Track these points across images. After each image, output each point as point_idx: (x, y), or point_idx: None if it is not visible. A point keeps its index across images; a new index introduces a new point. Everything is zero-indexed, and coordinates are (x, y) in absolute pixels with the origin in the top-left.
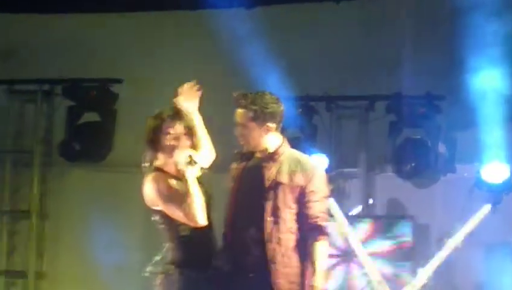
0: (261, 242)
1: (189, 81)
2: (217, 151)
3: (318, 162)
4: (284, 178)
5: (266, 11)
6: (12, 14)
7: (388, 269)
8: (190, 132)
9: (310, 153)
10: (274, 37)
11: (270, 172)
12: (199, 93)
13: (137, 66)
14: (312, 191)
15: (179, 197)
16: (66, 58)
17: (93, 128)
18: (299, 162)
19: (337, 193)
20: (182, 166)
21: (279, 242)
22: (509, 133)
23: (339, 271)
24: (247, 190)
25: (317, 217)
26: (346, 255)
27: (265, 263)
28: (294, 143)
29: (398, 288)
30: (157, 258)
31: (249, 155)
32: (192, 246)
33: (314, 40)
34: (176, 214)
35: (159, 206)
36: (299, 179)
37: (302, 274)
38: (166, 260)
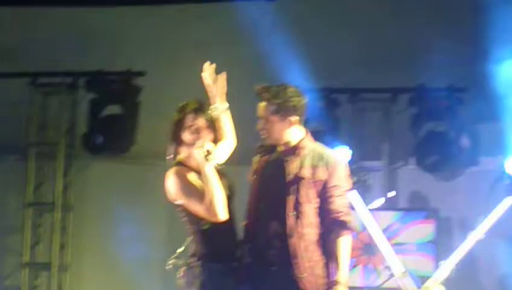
0: (283, 236)
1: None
2: (239, 144)
3: (341, 156)
4: (306, 173)
5: (288, 3)
6: (35, 7)
7: (411, 263)
8: (213, 125)
9: (332, 146)
10: (296, 29)
11: (293, 166)
12: (223, 79)
13: (160, 59)
14: (335, 186)
15: (199, 192)
16: (89, 51)
17: (116, 121)
18: (322, 156)
19: (360, 186)
20: (201, 161)
21: (301, 237)
22: None
23: (362, 264)
24: (269, 183)
25: (340, 211)
26: (368, 248)
27: (287, 256)
28: (317, 136)
29: (420, 281)
30: (180, 250)
31: (271, 148)
32: (214, 239)
33: (337, 32)
34: (197, 209)
35: (180, 200)
36: (322, 174)
37: (326, 268)
38: (188, 253)
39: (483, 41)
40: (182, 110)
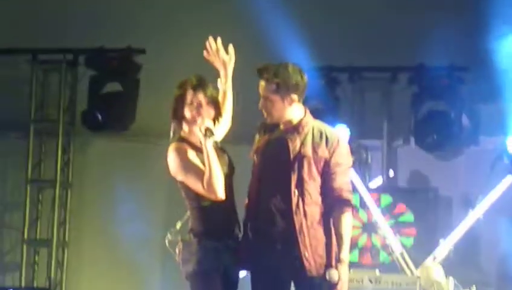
0: (287, 214)
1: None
2: (240, 123)
3: (342, 133)
4: (308, 150)
5: None
6: None
7: (409, 241)
8: (214, 101)
9: (332, 125)
10: (297, 9)
11: (294, 144)
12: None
13: (160, 36)
14: (337, 163)
15: (199, 170)
16: (89, 28)
17: (116, 98)
18: (323, 133)
19: (359, 165)
20: (200, 138)
21: (305, 215)
22: None
23: (361, 243)
24: (272, 162)
25: (342, 189)
26: (369, 227)
27: (292, 235)
28: (317, 114)
29: (419, 259)
30: (178, 225)
31: (272, 127)
32: (213, 216)
33: (337, 10)
34: (196, 186)
35: (180, 177)
36: (323, 151)
37: (328, 246)
38: (186, 229)
39: (484, 18)
40: (182, 87)
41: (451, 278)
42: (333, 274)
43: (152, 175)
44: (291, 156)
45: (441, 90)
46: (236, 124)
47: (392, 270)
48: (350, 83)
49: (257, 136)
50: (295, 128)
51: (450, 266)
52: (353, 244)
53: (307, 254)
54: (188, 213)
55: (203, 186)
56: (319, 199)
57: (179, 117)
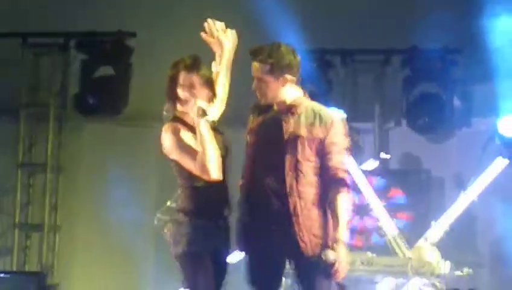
0: (282, 195)
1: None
2: (231, 105)
3: (337, 114)
4: (302, 131)
5: None
6: None
7: (402, 222)
8: (207, 81)
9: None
10: None
11: (289, 125)
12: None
13: (152, 19)
14: (332, 143)
15: (193, 149)
16: (80, 11)
17: (108, 82)
18: (317, 114)
19: (352, 147)
20: (195, 118)
21: (300, 195)
22: None
23: (355, 225)
24: (266, 142)
25: (338, 168)
26: (361, 209)
27: (286, 215)
28: (309, 97)
29: (412, 241)
30: (169, 203)
31: (266, 108)
32: (205, 196)
33: None
34: (189, 165)
35: (174, 156)
36: (318, 131)
37: (323, 227)
38: (176, 208)
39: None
40: (175, 67)
41: (448, 261)
42: (329, 254)
43: (144, 159)
44: (286, 136)
45: (433, 72)
46: (229, 106)
47: (384, 253)
48: (342, 66)
49: (251, 117)
50: (289, 109)
51: (443, 247)
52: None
53: (301, 234)
54: (179, 191)
55: (197, 166)
56: (314, 179)
57: (172, 97)
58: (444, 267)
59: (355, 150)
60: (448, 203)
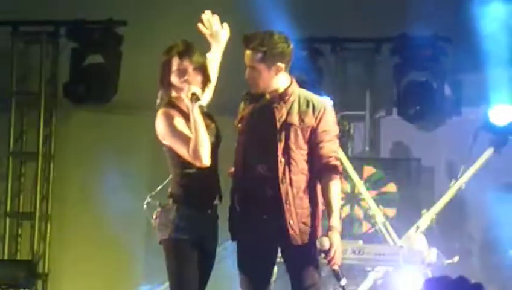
0: (273, 183)
1: (194, 22)
2: (222, 93)
3: (327, 102)
4: (294, 119)
5: None
6: None
7: (392, 211)
8: (201, 67)
9: None
10: None
11: (281, 113)
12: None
13: (142, 7)
14: (324, 131)
15: (185, 135)
16: None
17: (97, 70)
18: (309, 102)
19: (342, 136)
20: (187, 103)
21: (291, 183)
22: None
23: (344, 213)
24: (258, 130)
25: (330, 156)
26: (351, 198)
27: (277, 203)
28: (301, 85)
29: (402, 230)
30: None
31: (258, 96)
32: (195, 184)
33: None
34: (181, 151)
35: (166, 141)
36: (310, 119)
37: (312, 215)
38: (166, 193)
39: None
40: (168, 53)
41: (434, 248)
42: (324, 241)
43: (135, 147)
44: (278, 124)
45: (423, 60)
46: (219, 95)
47: (375, 241)
48: (332, 54)
49: (242, 105)
50: (281, 97)
51: (432, 236)
52: None
53: (292, 222)
54: (170, 177)
55: (189, 152)
56: (306, 167)
57: (165, 84)
58: (433, 255)
59: (346, 138)
60: (438, 192)
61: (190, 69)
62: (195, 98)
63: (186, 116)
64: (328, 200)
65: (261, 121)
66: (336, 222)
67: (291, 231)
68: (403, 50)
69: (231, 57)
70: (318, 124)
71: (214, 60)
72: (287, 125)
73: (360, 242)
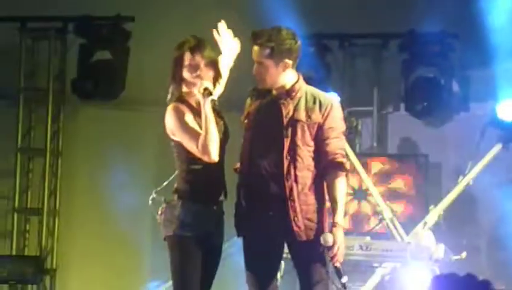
0: (279, 179)
1: (201, 17)
2: (230, 88)
3: (334, 98)
4: (301, 115)
5: None
6: None
7: (400, 207)
8: (212, 62)
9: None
10: None
11: (288, 109)
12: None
13: (149, 3)
14: (330, 128)
15: (195, 131)
16: None
17: (105, 66)
18: (316, 98)
19: (350, 132)
20: (199, 97)
21: (296, 180)
22: None
23: (352, 209)
24: (264, 126)
25: (336, 153)
26: (358, 194)
27: (283, 199)
28: (307, 82)
29: (410, 226)
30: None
31: (264, 92)
32: (201, 180)
33: None
34: (190, 146)
35: (176, 136)
36: (317, 116)
37: (318, 211)
38: (172, 189)
39: None
40: (180, 48)
41: (441, 244)
42: (328, 237)
43: (142, 143)
44: (285, 120)
45: (431, 56)
46: (226, 91)
47: (382, 237)
48: (340, 50)
49: (248, 101)
50: (288, 93)
51: (440, 232)
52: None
53: (296, 219)
54: (176, 173)
55: (198, 146)
56: (312, 164)
57: (177, 79)
58: (440, 251)
59: (354, 134)
60: (445, 188)
61: (202, 64)
62: (207, 93)
63: (195, 111)
64: (333, 197)
65: (267, 117)
66: (340, 218)
67: (295, 227)
68: (410, 46)
69: (239, 53)
70: (325, 121)
71: (224, 63)
72: (293, 122)
73: (368, 238)
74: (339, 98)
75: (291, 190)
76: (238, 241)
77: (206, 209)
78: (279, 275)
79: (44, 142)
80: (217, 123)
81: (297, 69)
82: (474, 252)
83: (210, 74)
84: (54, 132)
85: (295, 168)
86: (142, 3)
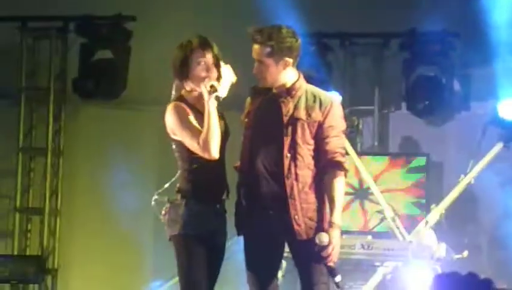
0: (279, 178)
1: (203, 17)
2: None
3: (335, 97)
4: (301, 114)
5: None
6: None
7: (401, 206)
8: (217, 61)
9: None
10: None
11: (288, 107)
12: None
13: (150, 2)
14: (330, 127)
15: (196, 128)
16: None
17: (106, 65)
18: (316, 97)
19: (351, 131)
20: (205, 95)
21: (297, 178)
22: None
23: (353, 208)
24: (264, 125)
25: (336, 152)
26: (359, 193)
27: (283, 198)
28: (308, 81)
29: (411, 225)
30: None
31: (265, 90)
32: (203, 179)
33: None
34: (190, 143)
35: (177, 134)
36: (317, 115)
37: (319, 210)
38: (174, 189)
39: None
40: (189, 46)
41: (443, 243)
42: (323, 237)
43: (144, 142)
44: (285, 119)
45: (432, 55)
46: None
47: (384, 236)
48: (341, 49)
49: (249, 99)
50: (288, 92)
51: (442, 231)
52: (345, 210)
53: (297, 217)
54: (178, 173)
55: (199, 144)
56: (312, 162)
57: (184, 77)
58: (442, 250)
59: (355, 133)
60: (447, 187)
61: (212, 62)
62: (213, 90)
63: (195, 110)
64: (331, 196)
65: (267, 115)
66: (337, 218)
67: (296, 226)
68: (411, 45)
69: (239, 52)
70: (325, 119)
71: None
72: (293, 120)
73: (369, 237)
74: (340, 98)
75: (291, 188)
76: (241, 240)
77: (210, 208)
78: (280, 274)
79: (46, 141)
80: (218, 121)
81: (298, 68)
82: (476, 251)
83: (215, 72)
84: (55, 131)
85: (295, 166)
86: (143, 2)
